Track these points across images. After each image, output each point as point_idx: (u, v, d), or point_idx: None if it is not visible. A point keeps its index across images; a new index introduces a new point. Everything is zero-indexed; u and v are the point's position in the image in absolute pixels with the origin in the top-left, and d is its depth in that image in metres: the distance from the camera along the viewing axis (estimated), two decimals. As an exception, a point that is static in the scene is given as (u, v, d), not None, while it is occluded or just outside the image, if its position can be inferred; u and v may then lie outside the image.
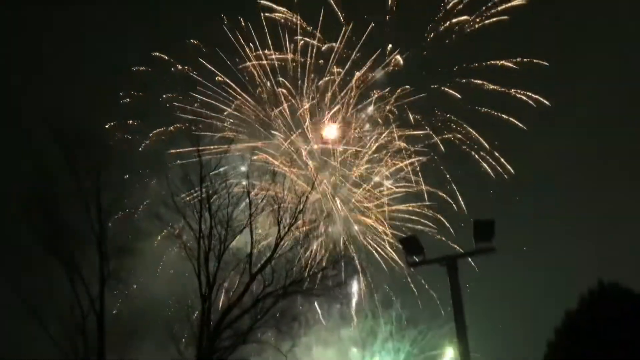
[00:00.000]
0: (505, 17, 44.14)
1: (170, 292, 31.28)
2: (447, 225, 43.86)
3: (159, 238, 33.03)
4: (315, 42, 44.23)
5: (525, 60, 43.67)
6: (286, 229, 28.26)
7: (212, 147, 35.28)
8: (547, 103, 44.04)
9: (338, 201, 45.34)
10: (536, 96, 43.80)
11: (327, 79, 45.04)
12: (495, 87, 44.68)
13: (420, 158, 45.37)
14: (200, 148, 28.44)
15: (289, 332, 28.57)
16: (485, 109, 44.93)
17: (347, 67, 44.82)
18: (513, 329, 45.79)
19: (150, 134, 43.56)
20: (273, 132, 45.24)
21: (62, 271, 25.51)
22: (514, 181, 44.44)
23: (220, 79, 44.50)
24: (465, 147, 44.93)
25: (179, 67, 44.69)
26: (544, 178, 50.85)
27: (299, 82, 45.00)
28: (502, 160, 44.29)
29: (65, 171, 26.30)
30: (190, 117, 43.80)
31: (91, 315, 25.35)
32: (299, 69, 44.95)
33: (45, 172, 26.11)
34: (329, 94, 45.40)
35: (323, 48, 44.36)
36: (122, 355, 26.14)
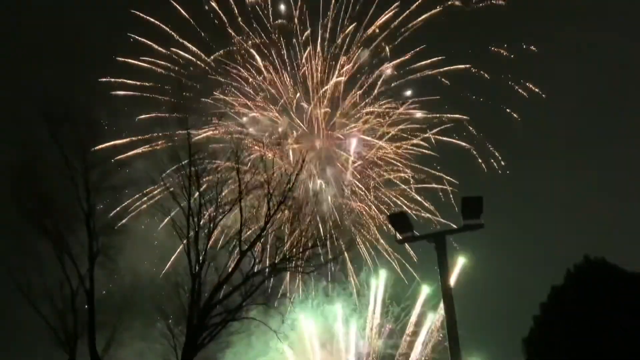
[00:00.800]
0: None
1: (160, 270, 31.34)
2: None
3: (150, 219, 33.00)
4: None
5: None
6: (275, 207, 28.18)
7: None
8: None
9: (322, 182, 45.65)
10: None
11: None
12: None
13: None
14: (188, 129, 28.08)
15: (278, 309, 28.74)
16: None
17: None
18: (499, 304, 46.45)
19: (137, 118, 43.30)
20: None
21: (51, 249, 25.40)
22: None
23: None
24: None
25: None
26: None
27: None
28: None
29: (53, 148, 26.02)
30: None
31: (81, 292, 25.33)
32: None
33: (33, 148, 25.85)
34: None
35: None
36: (113, 332, 26.16)
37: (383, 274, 45.21)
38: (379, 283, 45.26)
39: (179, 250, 31.03)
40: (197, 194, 27.11)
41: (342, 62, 47.14)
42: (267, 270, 28.31)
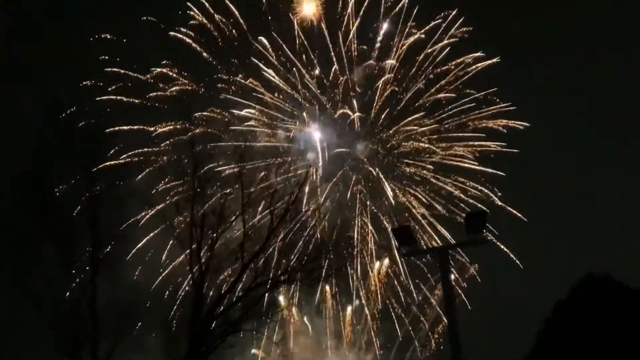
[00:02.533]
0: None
1: (162, 280, 31.36)
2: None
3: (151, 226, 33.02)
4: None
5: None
6: (278, 220, 28.20)
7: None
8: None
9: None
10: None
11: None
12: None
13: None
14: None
15: (280, 322, 28.68)
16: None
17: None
18: (502, 318, 46.22)
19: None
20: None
21: (55, 256, 25.44)
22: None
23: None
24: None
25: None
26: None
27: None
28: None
29: (60, 157, 26.17)
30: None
31: (84, 300, 25.32)
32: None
33: (40, 156, 26.02)
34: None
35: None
36: (115, 341, 26.13)
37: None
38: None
39: (178, 260, 31.00)
40: (200, 205, 27.16)
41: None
42: (268, 283, 28.24)
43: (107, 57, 43.81)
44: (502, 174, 44.27)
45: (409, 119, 47.63)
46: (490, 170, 44.14)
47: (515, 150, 46.57)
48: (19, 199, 25.54)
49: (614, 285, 24.47)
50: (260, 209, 29.29)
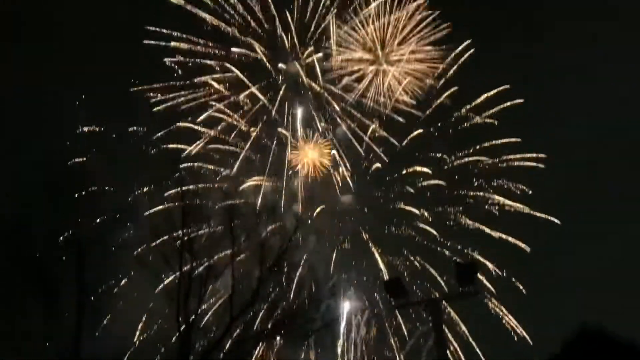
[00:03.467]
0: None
1: (148, 333, 30.68)
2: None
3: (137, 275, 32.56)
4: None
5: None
6: (268, 271, 27.91)
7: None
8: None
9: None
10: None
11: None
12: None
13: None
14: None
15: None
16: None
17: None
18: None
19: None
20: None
21: (39, 309, 24.92)
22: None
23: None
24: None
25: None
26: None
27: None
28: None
29: (46, 205, 25.98)
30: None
31: (67, 354, 24.63)
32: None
33: (27, 205, 25.84)
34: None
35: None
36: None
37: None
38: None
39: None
40: (189, 257, 26.90)
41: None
42: (258, 336, 27.70)
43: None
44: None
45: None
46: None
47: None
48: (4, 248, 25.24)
49: (609, 340, 24.04)
50: (249, 259, 28.88)
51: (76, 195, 27.44)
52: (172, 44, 45.59)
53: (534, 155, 46.35)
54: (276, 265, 28.02)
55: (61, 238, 26.15)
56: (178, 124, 46.44)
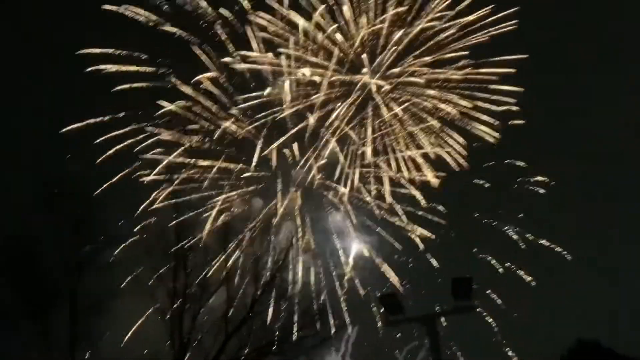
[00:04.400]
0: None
1: (142, 352, 30.25)
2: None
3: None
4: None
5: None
6: (263, 287, 27.73)
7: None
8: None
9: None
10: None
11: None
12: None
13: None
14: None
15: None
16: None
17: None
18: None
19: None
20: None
21: (31, 328, 24.62)
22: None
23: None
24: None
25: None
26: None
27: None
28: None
29: (42, 224, 25.82)
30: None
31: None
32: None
33: (23, 221, 25.70)
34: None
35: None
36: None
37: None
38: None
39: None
40: (183, 275, 26.72)
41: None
42: (253, 354, 27.42)
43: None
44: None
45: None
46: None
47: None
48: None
49: (605, 353, 24.07)
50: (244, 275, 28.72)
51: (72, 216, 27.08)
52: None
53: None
54: (271, 281, 27.85)
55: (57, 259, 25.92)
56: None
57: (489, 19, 47.46)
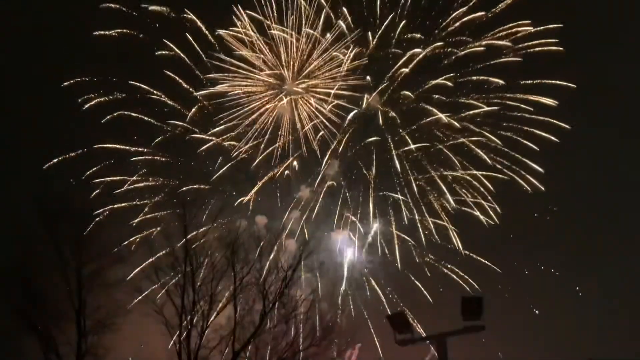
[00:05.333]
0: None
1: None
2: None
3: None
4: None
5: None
6: (271, 305, 27.65)
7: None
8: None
9: None
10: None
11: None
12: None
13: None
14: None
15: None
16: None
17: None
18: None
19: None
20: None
21: (38, 347, 24.62)
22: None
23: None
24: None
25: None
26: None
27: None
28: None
29: (47, 242, 25.87)
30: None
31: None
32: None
33: (26, 243, 25.72)
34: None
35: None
36: None
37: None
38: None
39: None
40: (191, 291, 26.70)
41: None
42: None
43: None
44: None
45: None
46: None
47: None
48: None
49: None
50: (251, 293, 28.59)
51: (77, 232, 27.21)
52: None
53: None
54: (279, 299, 27.75)
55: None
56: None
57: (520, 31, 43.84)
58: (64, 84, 44.38)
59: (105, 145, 44.58)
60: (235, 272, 27.65)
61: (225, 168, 46.31)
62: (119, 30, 44.91)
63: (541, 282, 46.29)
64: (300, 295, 29.24)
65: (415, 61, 45.15)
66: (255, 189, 46.81)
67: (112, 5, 44.61)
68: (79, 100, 44.38)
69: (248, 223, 44.27)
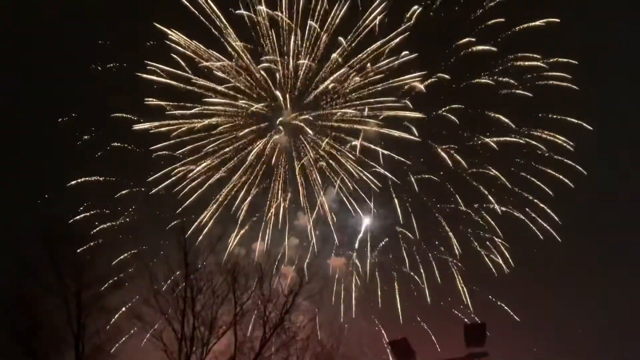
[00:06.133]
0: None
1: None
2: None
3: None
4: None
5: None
6: (271, 331, 27.41)
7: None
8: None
9: None
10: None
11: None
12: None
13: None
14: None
15: None
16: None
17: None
18: None
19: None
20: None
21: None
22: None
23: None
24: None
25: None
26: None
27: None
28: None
29: (45, 266, 25.78)
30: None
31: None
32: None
33: (25, 268, 25.62)
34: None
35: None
36: None
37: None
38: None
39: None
40: (191, 317, 26.49)
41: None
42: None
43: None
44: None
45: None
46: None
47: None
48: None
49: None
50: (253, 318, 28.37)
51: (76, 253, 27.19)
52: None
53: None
54: (280, 325, 27.52)
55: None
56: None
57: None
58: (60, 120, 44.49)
59: (96, 178, 44.69)
60: (236, 297, 27.47)
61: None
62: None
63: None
64: (302, 321, 28.94)
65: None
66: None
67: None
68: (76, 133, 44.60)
69: (246, 250, 44.34)
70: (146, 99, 44.39)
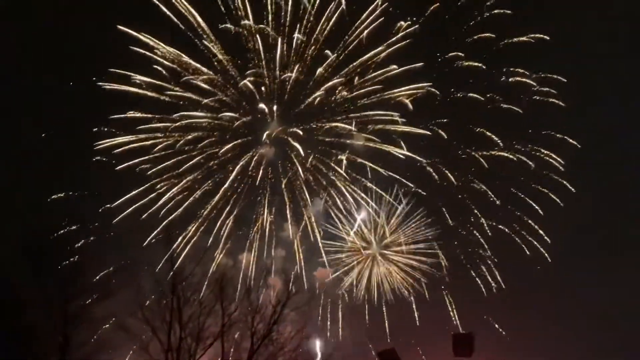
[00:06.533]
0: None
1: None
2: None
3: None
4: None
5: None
6: (259, 342, 27.31)
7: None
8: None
9: None
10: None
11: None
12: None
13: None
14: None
15: None
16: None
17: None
18: None
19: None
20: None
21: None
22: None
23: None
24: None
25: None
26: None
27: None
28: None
29: (30, 278, 25.57)
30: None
31: None
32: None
33: (10, 278, 25.40)
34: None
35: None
36: None
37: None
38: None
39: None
40: (178, 328, 26.33)
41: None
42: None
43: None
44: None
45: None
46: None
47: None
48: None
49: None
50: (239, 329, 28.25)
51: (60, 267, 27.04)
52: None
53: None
54: (267, 335, 27.45)
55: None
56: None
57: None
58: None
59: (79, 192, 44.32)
60: (224, 308, 27.37)
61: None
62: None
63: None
64: (290, 332, 28.87)
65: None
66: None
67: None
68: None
69: (233, 262, 44.12)
70: (129, 112, 44.28)
